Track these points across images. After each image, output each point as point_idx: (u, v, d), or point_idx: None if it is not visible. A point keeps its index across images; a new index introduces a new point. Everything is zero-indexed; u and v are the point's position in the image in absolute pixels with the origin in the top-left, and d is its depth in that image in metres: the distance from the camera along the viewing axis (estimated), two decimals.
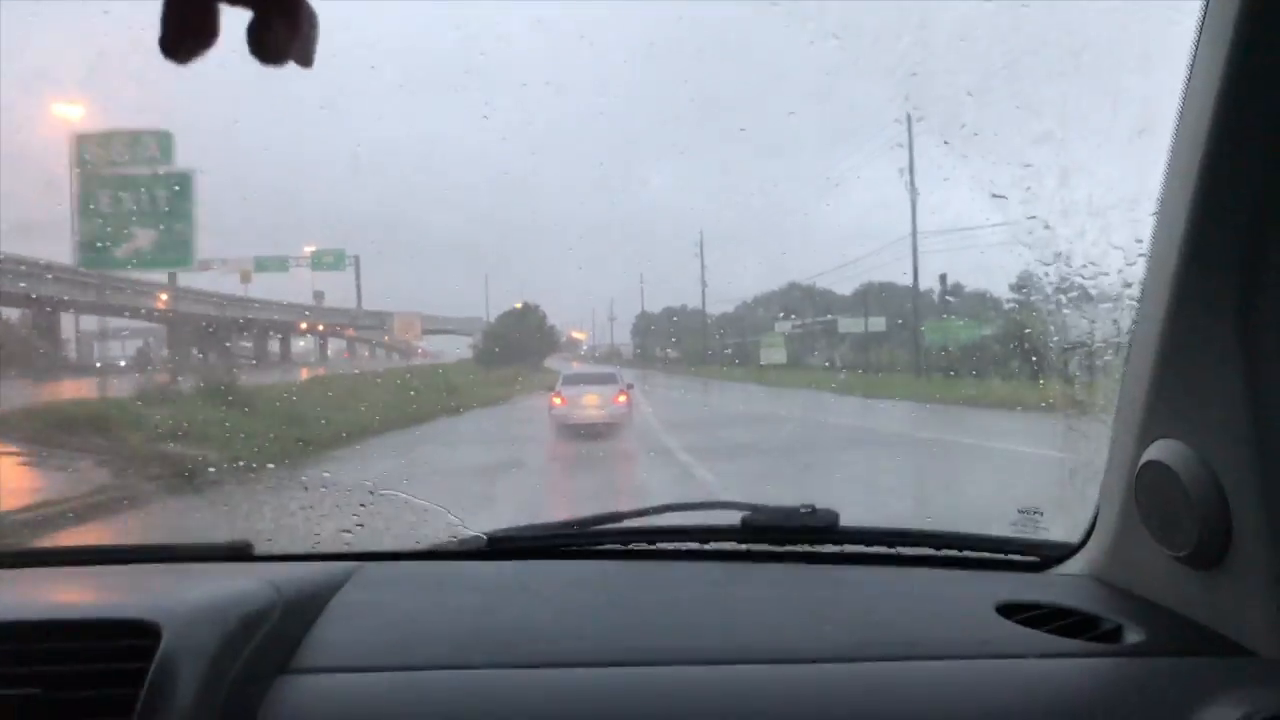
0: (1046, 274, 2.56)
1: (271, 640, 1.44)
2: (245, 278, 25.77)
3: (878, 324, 25.82)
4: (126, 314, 25.74)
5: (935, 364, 21.05)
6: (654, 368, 32.75)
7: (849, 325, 26.90)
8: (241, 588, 1.54)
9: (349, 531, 2.43)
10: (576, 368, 25.21)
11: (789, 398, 20.85)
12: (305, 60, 0.89)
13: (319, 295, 31.87)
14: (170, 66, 0.88)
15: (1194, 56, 1.34)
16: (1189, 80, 1.36)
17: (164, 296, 23.36)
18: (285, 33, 0.87)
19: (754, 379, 25.43)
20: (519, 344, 27.81)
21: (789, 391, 22.14)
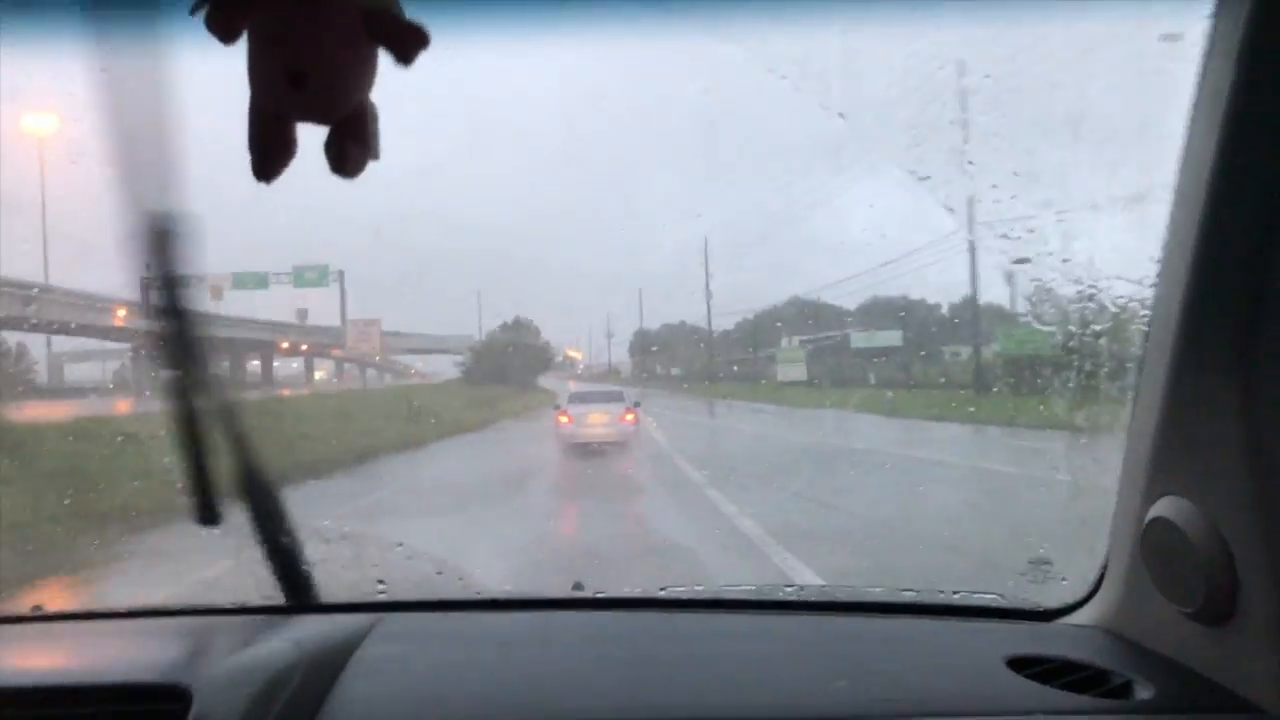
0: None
1: (296, 700, 1.46)
2: (216, 294, 23.47)
3: (891, 337, 24.15)
4: (80, 331, 23.99)
5: (995, 378, 17.41)
6: (654, 386, 31.17)
7: (864, 340, 25.04)
8: (267, 648, 1.57)
9: (380, 581, 2.45)
10: (574, 387, 23.50)
11: (831, 422, 18.56)
12: (375, 155, 0.99)
13: (302, 313, 30.11)
14: None
15: (1189, 127, 1.39)
16: (1186, 146, 1.40)
17: (121, 313, 21.12)
18: (356, 148, 0.97)
19: (769, 398, 23.80)
20: (510, 361, 26.30)
21: (822, 414, 20.19)
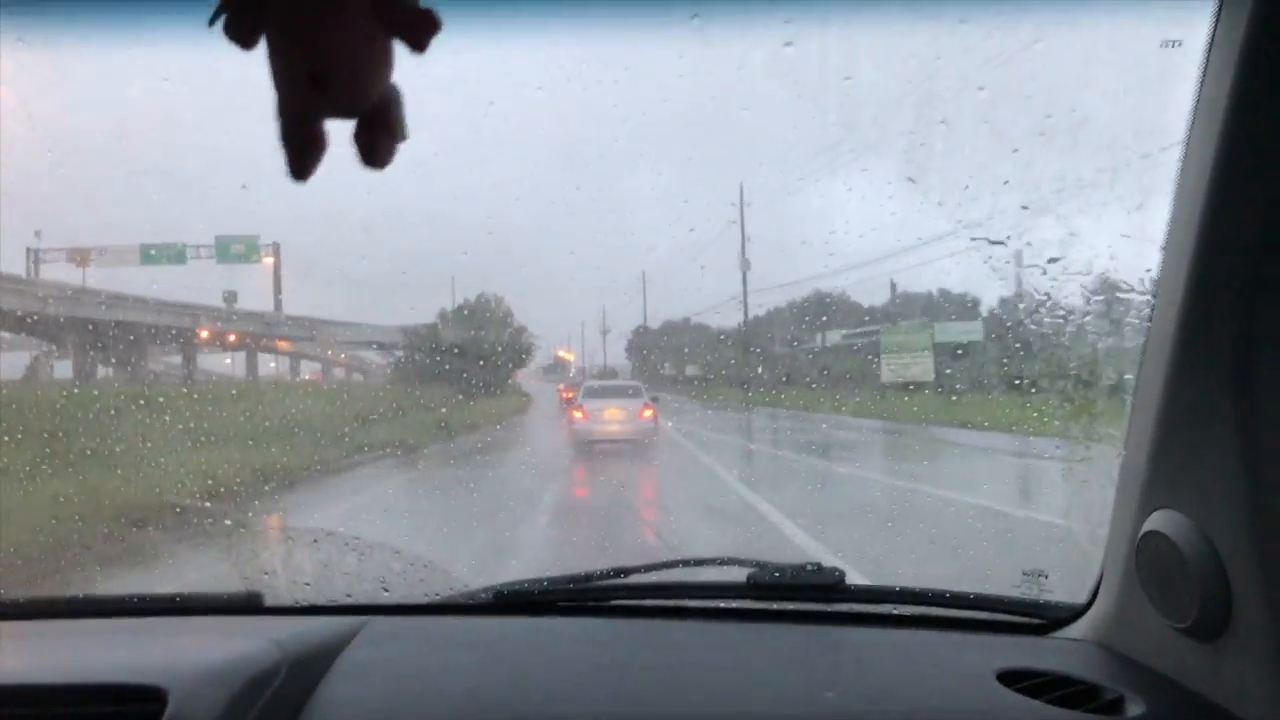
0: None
1: (277, 702, 1.45)
2: (83, 262, 18.77)
3: (970, 330, 16.25)
4: None
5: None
6: (661, 390, 24.14)
7: (940, 331, 17.06)
8: (248, 649, 1.55)
9: (359, 581, 2.43)
10: (563, 391, 21.96)
11: None
12: (403, 138, 0.99)
13: (230, 296, 22.92)
14: None
15: (1188, 137, 1.38)
16: (1184, 157, 1.39)
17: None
18: (385, 139, 0.98)
19: (877, 412, 15.84)
20: (472, 353, 18.27)
21: None
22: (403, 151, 0.99)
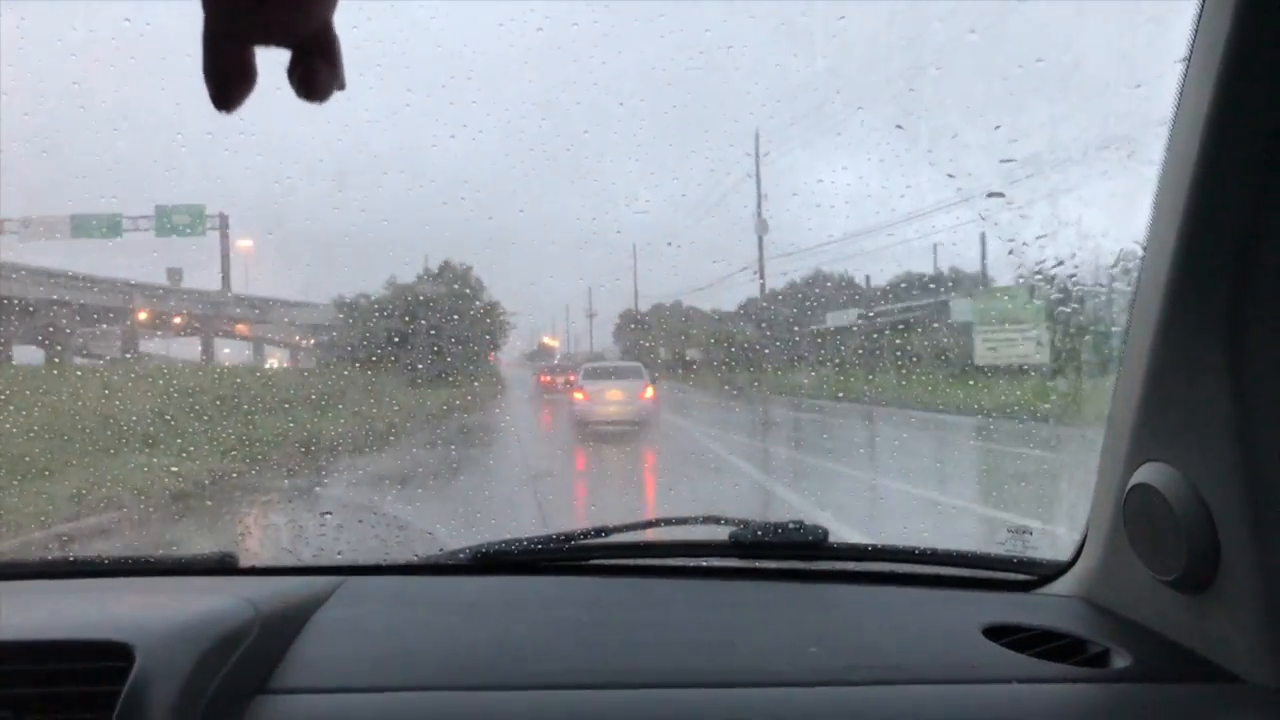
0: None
1: (249, 660, 1.42)
2: None
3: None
4: None
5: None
6: (658, 377, 20.54)
7: (966, 310, 13.98)
8: (219, 606, 1.52)
9: (335, 543, 2.40)
10: (542, 377, 21.02)
11: None
12: (340, 85, 0.91)
13: (175, 274, 20.10)
14: None
15: (1184, 78, 1.34)
16: (1179, 103, 1.36)
17: None
18: (326, 68, 0.89)
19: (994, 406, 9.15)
20: (425, 332, 14.02)
21: None
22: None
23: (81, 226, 17.15)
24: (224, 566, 1.97)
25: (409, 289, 16.85)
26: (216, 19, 0.86)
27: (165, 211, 17.99)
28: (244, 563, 1.99)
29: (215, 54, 0.87)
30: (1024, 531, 2.05)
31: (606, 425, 14.63)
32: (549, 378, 21.13)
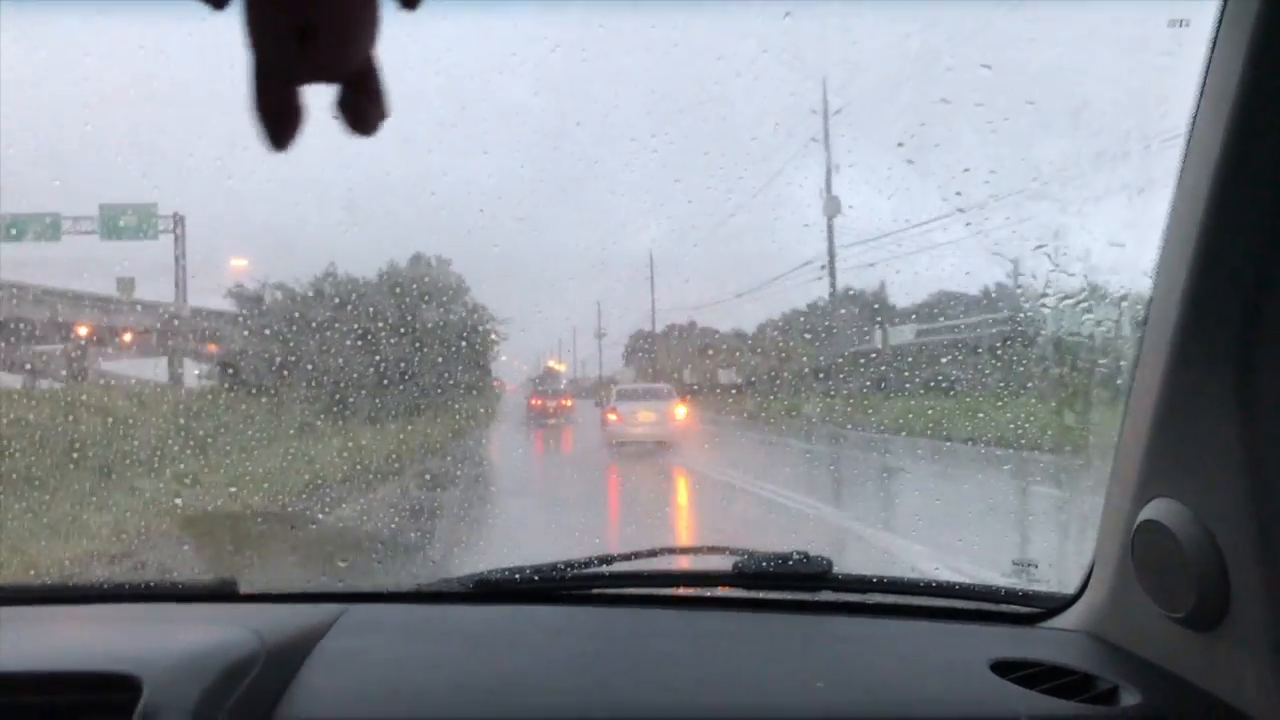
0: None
1: (254, 691, 1.42)
2: None
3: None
4: None
5: None
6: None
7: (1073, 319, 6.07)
8: (224, 636, 1.52)
9: (341, 566, 2.39)
10: (534, 401, 20.18)
11: None
12: (385, 114, 0.93)
13: (126, 284, 16.28)
14: None
15: (1194, 117, 1.35)
16: (1189, 140, 1.36)
17: None
18: (372, 101, 0.92)
19: None
20: (384, 341, 9.78)
21: None
22: (380, 145, 0.94)
23: (17, 227, 14.59)
24: (225, 592, 1.96)
25: (356, 283, 12.19)
26: (263, 58, 0.87)
27: (111, 212, 15.16)
28: (244, 588, 1.98)
29: (265, 94, 0.89)
30: (1029, 565, 2.04)
31: (636, 443, 14.74)
32: (540, 401, 20.80)
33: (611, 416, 15.61)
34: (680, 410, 15.11)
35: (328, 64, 0.88)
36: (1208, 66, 1.31)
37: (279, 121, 0.91)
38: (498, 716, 1.42)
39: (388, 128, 0.94)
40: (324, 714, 1.43)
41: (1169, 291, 1.40)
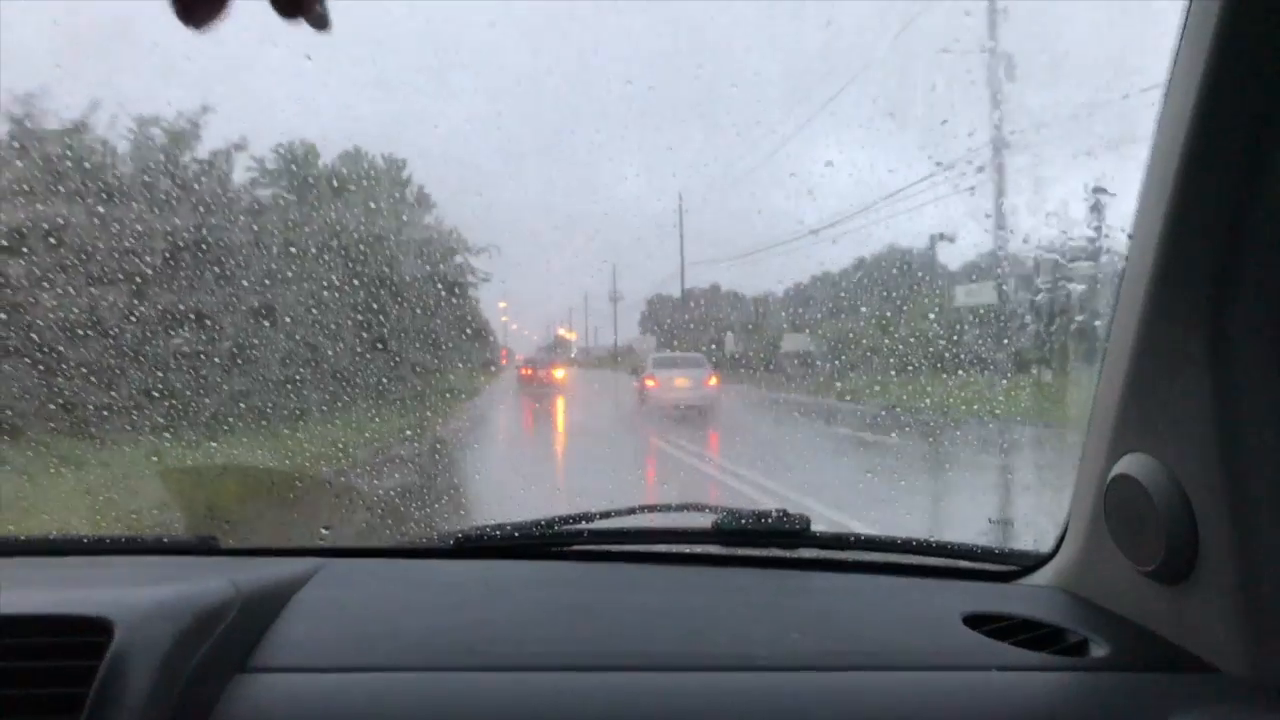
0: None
1: (229, 638, 1.42)
2: None
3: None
4: None
5: None
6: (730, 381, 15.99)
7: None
8: (199, 584, 1.51)
9: (321, 526, 2.40)
10: (524, 370, 19.71)
11: None
12: (322, 23, 0.86)
13: None
14: None
15: (1171, 73, 1.34)
16: (1166, 96, 1.35)
17: None
18: None
19: None
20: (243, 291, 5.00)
21: None
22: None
23: None
24: (206, 547, 1.97)
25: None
26: None
27: None
28: (226, 544, 1.99)
29: None
30: (1006, 522, 2.07)
31: (674, 408, 15.26)
32: (530, 370, 20.64)
33: (650, 383, 16.31)
34: (714, 379, 15.61)
35: None
36: (1185, 18, 1.30)
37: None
38: (472, 664, 1.43)
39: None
40: (298, 661, 1.44)
41: (1144, 247, 1.40)
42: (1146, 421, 1.46)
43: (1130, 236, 1.48)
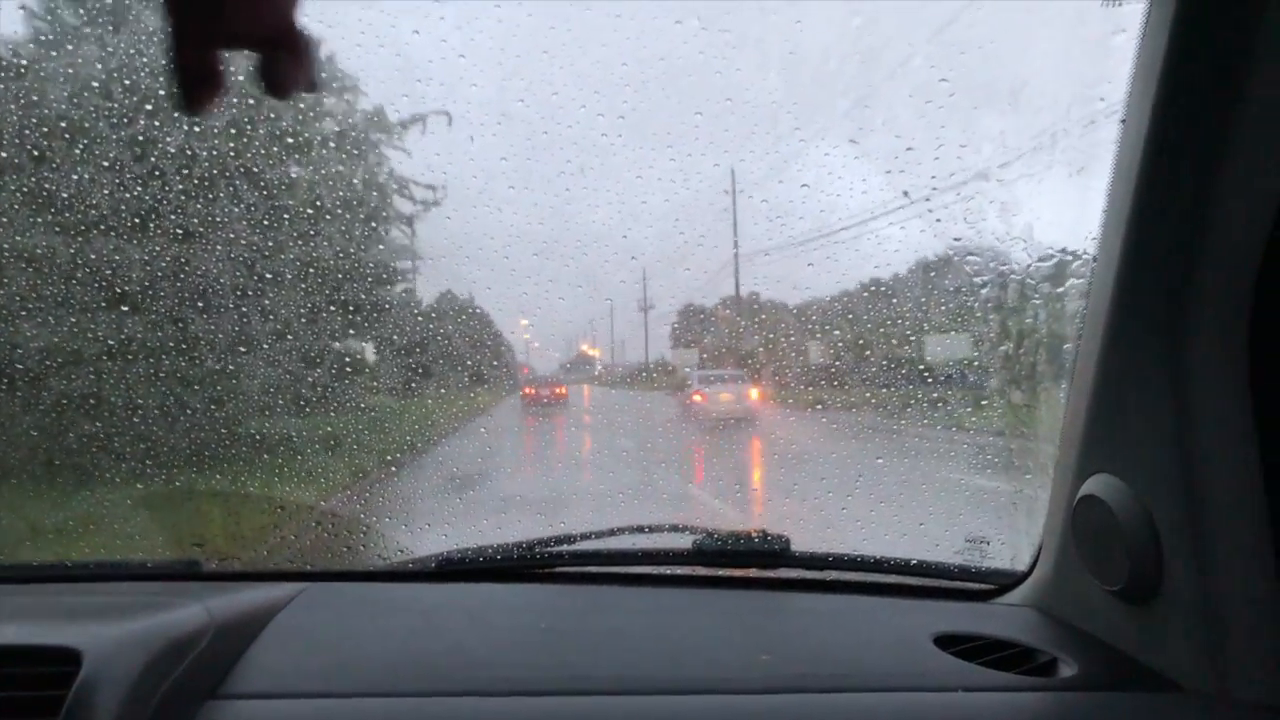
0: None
1: (201, 665, 1.42)
2: None
3: None
4: None
5: None
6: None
7: None
8: (173, 611, 1.52)
9: (302, 550, 2.39)
10: (527, 391, 20.61)
11: None
12: (311, 87, 0.90)
13: None
14: None
15: (1129, 98, 1.37)
16: (1124, 122, 1.38)
17: None
18: (293, 67, 0.89)
19: None
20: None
21: None
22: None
23: None
24: (187, 572, 1.96)
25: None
26: (179, 23, 0.85)
27: None
28: (208, 569, 1.98)
29: (182, 57, 0.86)
30: (982, 541, 2.08)
31: (718, 420, 15.58)
32: (533, 390, 19.95)
33: (697, 398, 16.59)
34: (755, 393, 15.95)
35: (246, 26, 0.86)
36: (1140, 47, 1.33)
37: (196, 86, 0.87)
38: (446, 689, 1.43)
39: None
40: (271, 687, 1.44)
41: (1106, 270, 1.43)
42: (1111, 443, 1.48)
43: (1093, 260, 1.51)
